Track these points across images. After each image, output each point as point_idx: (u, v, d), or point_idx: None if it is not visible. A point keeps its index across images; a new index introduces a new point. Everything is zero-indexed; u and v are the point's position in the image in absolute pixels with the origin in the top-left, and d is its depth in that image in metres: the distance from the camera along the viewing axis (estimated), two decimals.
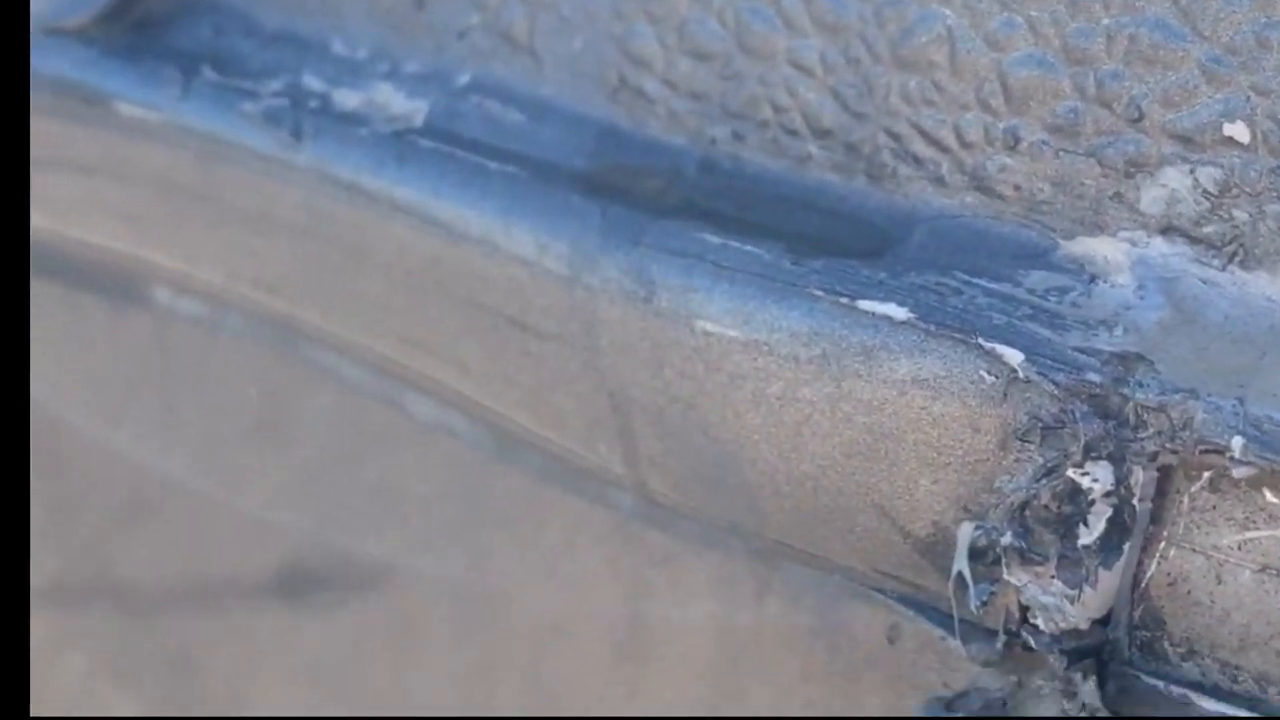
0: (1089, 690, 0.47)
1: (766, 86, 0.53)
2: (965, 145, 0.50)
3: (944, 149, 0.50)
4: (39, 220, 0.72)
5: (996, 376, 0.47)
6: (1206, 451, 0.44)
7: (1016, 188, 0.49)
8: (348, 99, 0.62)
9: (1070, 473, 0.46)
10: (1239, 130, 0.44)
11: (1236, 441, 0.43)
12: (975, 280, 0.49)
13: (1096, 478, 0.46)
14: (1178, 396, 0.45)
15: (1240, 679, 0.47)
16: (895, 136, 0.51)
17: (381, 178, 0.59)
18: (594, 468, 0.57)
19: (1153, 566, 0.47)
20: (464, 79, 0.60)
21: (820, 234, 0.52)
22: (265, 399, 0.71)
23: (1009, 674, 0.50)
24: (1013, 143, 0.49)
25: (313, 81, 0.63)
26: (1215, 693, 0.47)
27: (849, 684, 0.56)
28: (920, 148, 0.50)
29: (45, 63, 0.68)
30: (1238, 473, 0.44)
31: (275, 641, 0.70)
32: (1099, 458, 0.46)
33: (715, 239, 0.52)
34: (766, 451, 0.51)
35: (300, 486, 0.71)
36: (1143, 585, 0.48)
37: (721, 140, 0.54)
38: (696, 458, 0.53)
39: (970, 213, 0.50)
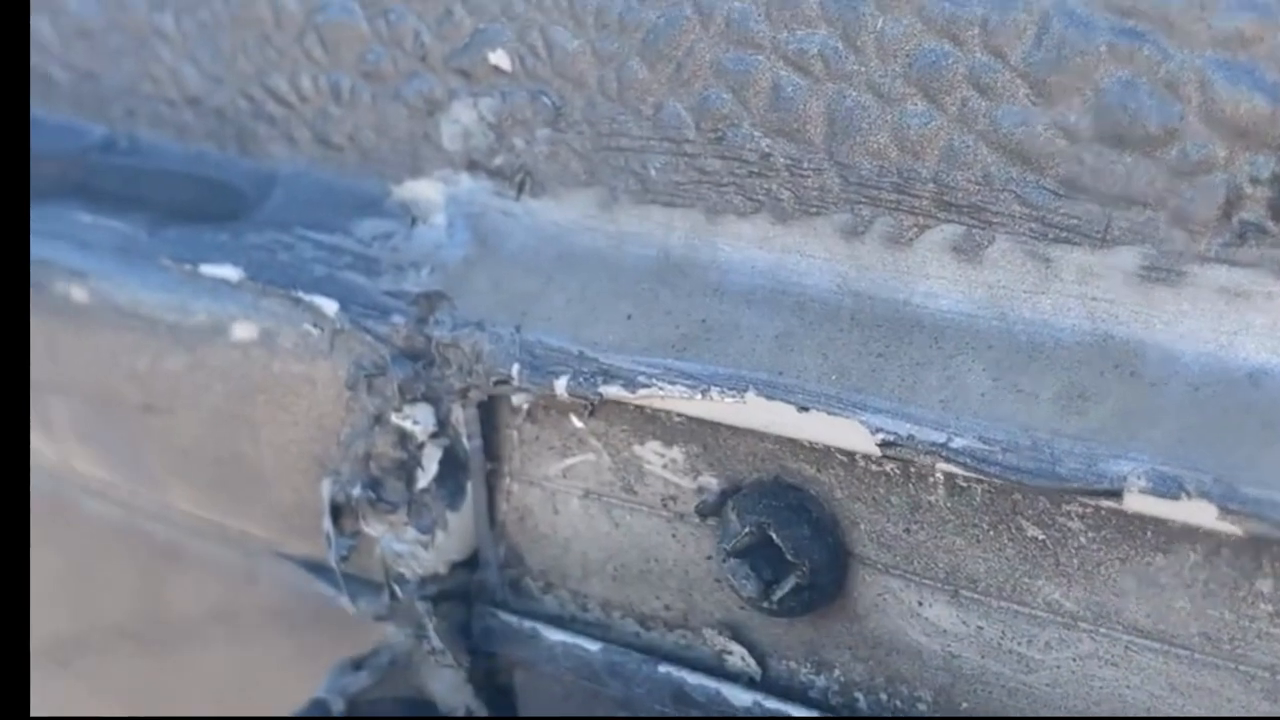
0: (435, 631, 0.47)
1: (141, 59, 0.52)
2: (303, 99, 0.49)
3: (288, 105, 0.49)
4: None
5: (321, 329, 0.47)
6: (499, 382, 0.44)
7: (350, 138, 0.48)
8: None
9: (394, 418, 0.46)
10: (501, 58, 0.44)
11: (515, 369, 0.43)
12: (309, 234, 0.48)
13: (418, 420, 0.46)
14: (467, 330, 0.44)
15: (589, 607, 0.47)
16: (249, 98, 0.50)
17: None
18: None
19: (503, 504, 0.47)
20: None
21: (185, 203, 0.51)
22: None
23: (406, 627, 0.49)
24: (337, 92, 0.48)
25: None
26: (568, 623, 0.47)
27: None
28: (272, 107, 0.50)
29: None
30: (517, 399, 0.44)
31: None
32: (415, 400, 0.46)
33: (87, 217, 0.51)
34: (155, 425, 0.51)
35: None
36: (499, 523, 0.47)
37: (117, 118, 0.54)
38: (108, 441, 0.53)
39: (318, 167, 0.49)
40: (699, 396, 0.40)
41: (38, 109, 0.56)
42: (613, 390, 0.41)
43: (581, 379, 0.42)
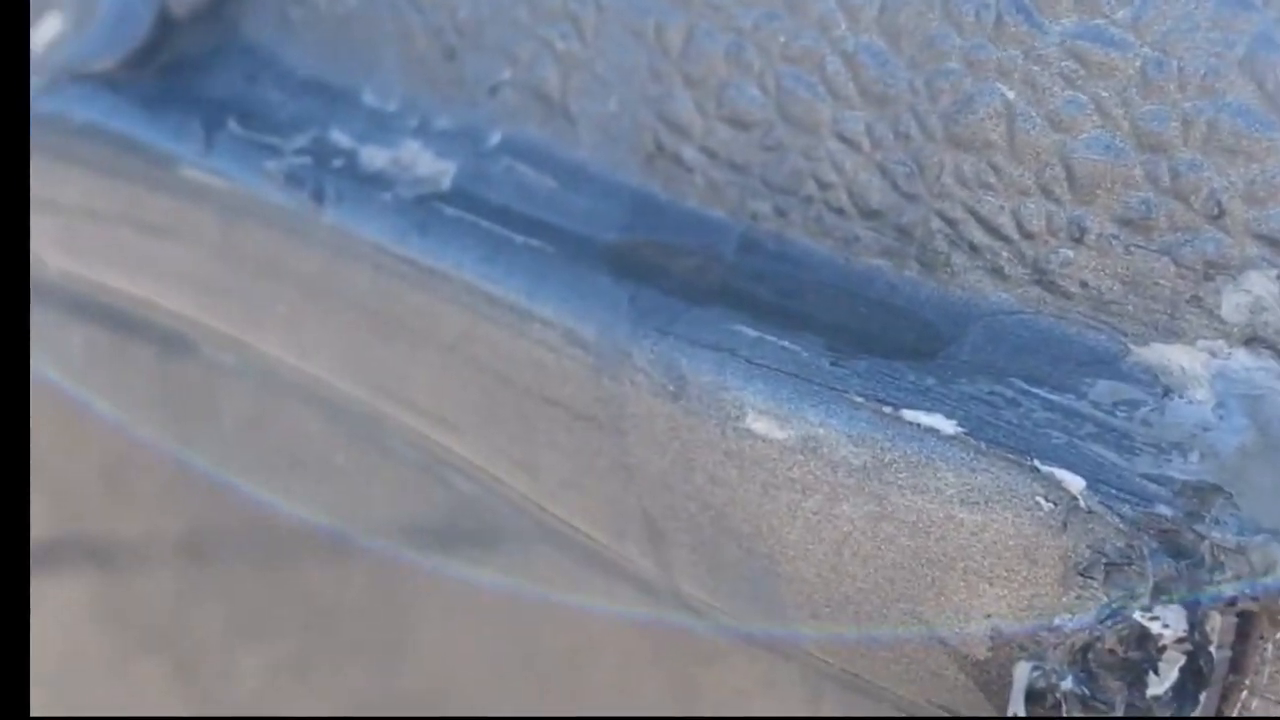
0: None
1: (810, 160, 0.48)
2: (1026, 235, 0.44)
3: (1003, 237, 0.45)
4: (72, 265, 0.70)
5: (1055, 503, 0.42)
6: None
7: (1083, 284, 0.43)
8: (374, 158, 0.58)
9: (1138, 616, 0.41)
10: None
11: None
12: (1034, 390, 0.43)
13: (1168, 623, 0.41)
14: (1260, 538, 0.39)
15: None
16: (949, 221, 0.46)
17: (404, 247, 0.55)
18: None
19: (1234, 714, 0.42)
20: (495, 139, 0.56)
21: (865, 328, 0.47)
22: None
23: None
24: (1078, 234, 0.43)
25: (340, 137, 0.59)
26: None
27: None
28: (977, 235, 0.45)
29: (71, 108, 0.65)
30: None
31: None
32: (1170, 600, 0.41)
33: (751, 331, 0.47)
34: (804, 569, 0.47)
35: None
36: None
37: (763, 216, 0.50)
38: (732, 570, 0.49)
39: (1032, 310, 0.45)
40: None
41: (661, 192, 0.52)
42: None
43: None
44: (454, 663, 0.67)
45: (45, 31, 0.64)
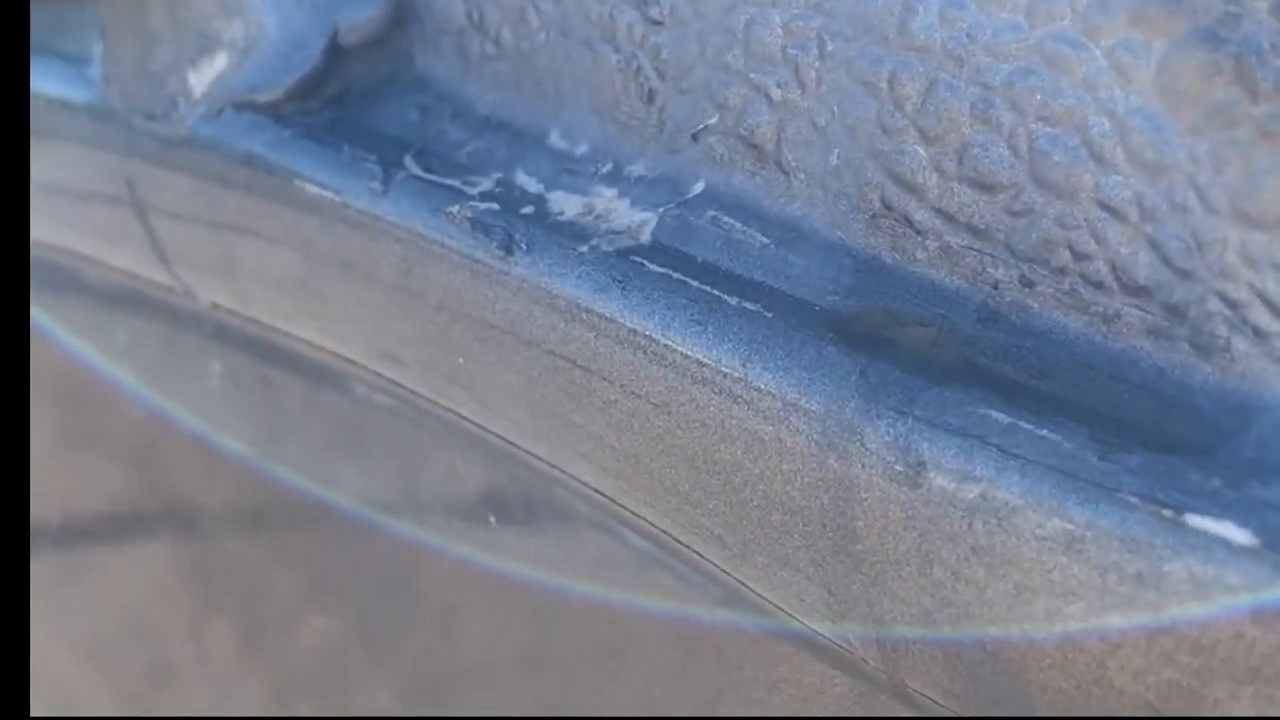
0: None
1: (1065, 228, 0.44)
2: None
3: None
4: (223, 297, 0.67)
5: None
6: None
7: None
8: (565, 204, 0.54)
9: None
10: None
11: None
12: None
13: None
14: None
15: None
16: (1231, 302, 0.42)
17: (603, 305, 0.51)
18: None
19: None
20: (697, 188, 0.52)
21: (1130, 416, 0.43)
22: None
23: None
24: None
25: (526, 180, 0.56)
26: None
27: None
28: (1264, 319, 0.41)
29: (237, 139, 0.62)
30: None
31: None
32: None
33: (1002, 416, 0.43)
34: (1061, 680, 0.43)
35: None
36: None
37: (1005, 285, 0.46)
38: (971, 671, 0.45)
39: None
40: None
41: (887, 254, 0.48)
42: None
43: None
44: (510, 638, 0.65)
45: (211, 67, 0.61)
